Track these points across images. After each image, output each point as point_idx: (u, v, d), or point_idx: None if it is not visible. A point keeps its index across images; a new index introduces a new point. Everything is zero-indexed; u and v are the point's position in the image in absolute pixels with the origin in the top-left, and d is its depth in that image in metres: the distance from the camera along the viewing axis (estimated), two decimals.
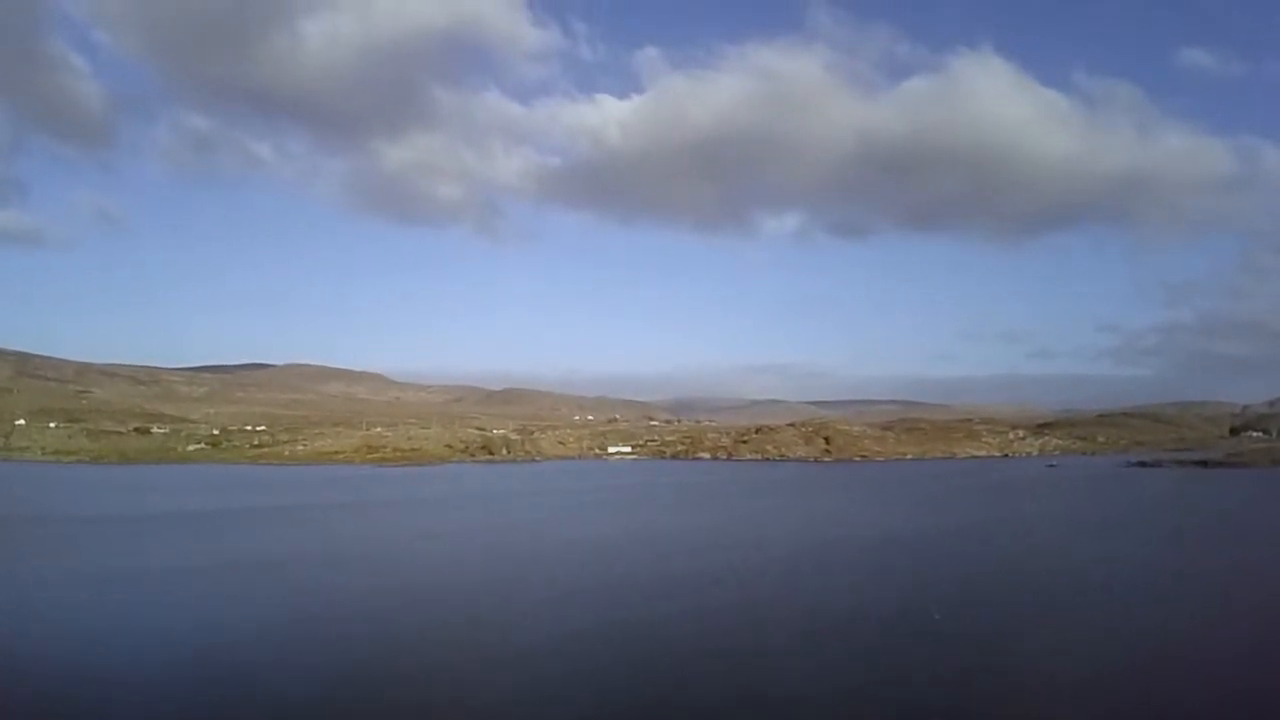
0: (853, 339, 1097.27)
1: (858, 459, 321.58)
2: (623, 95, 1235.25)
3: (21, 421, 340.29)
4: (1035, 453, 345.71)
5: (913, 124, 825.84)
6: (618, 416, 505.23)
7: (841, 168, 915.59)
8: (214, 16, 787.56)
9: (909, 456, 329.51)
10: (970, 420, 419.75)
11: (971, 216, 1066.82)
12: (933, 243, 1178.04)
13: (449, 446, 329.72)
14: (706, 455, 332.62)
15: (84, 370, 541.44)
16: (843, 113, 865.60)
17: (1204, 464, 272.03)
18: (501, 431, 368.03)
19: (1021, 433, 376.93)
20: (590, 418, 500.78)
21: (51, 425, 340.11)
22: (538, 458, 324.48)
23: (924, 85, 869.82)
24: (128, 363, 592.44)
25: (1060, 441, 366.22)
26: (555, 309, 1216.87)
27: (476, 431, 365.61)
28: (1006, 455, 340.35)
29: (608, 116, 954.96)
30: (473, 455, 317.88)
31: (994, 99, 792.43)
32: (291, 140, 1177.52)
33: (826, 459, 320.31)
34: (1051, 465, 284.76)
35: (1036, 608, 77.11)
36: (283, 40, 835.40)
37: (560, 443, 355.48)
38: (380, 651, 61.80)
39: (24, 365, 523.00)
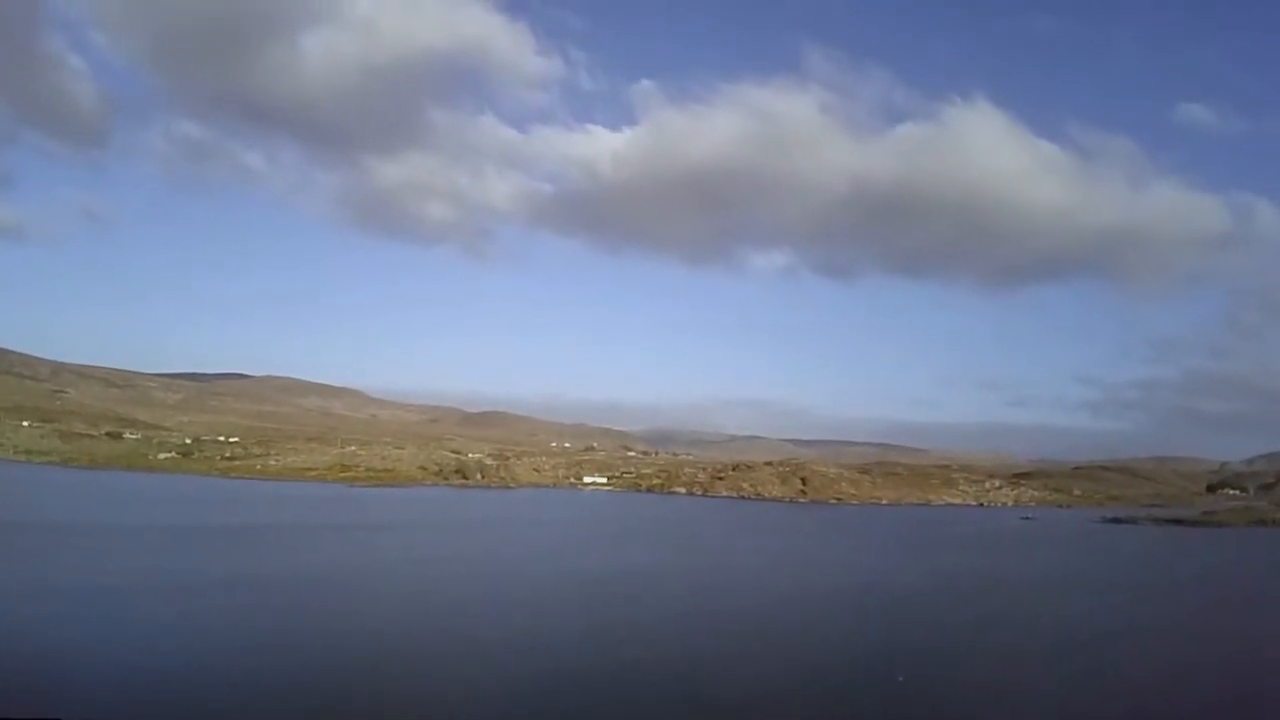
0: (834, 379, 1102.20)
1: (833, 501, 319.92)
2: (617, 127, 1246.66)
3: None
4: (1010, 503, 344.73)
5: (904, 169, 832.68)
6: (595, 445, 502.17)
7: (831, 209, 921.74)
8: (213, 25, 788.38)
9: (884, 501, 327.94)
10: (948, 467, 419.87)
11: (958, 264, 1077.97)
12: (918, 288, 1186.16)
13: (423, 468, 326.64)
14: (682, 490, 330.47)
15: (59, 369, 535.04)
16: (835, 155, 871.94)
17: (1179, 522, 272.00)
18: (477, 455, 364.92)
19: (998, 482, 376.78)
20: (567, 445, 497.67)
21: (24, 424, 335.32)
22: (511, 484, 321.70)
23: (917, 131, 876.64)
24: (104, 365, 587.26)
25: (1035, 493, 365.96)
26: (539, 333, 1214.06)
27: (452, 454, 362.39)
28: (982, 504, 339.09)
29: (601, 147, 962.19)
30: (446, 479, 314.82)
31: (986, 148, 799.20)
32: (284, 152, 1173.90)
33: (802, 499, 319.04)
34: (1026, 518, 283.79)
35: (1003, 671, 75.80)
36: (281, 53, 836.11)
37: (535, 470, 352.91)
38: (345, 678, 59.99)
39: None
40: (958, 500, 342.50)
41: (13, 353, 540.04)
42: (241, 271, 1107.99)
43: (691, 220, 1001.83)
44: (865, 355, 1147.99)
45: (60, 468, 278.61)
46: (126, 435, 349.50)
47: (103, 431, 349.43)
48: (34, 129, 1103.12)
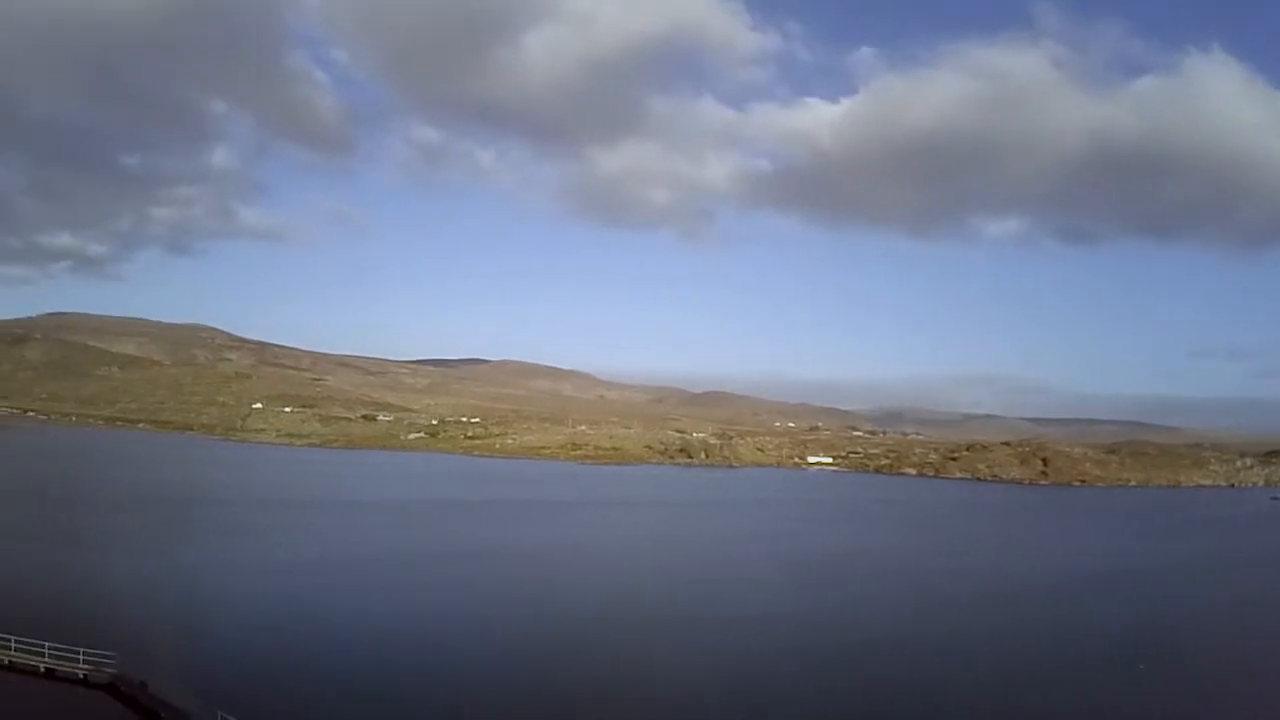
0: (1075, 352, 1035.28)
1: (1076, 483, 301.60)
2: (836, 98, 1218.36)
3: (259, 405, 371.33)
4: (1261, 483, 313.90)
5: (1145, 125, 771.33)
6: (819, 424, 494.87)
7: (1069, 170, 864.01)
8: (442, 33, 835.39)
9: (1131, 483, 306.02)
10: (1199, 446, 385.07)
11: (1205, 225, 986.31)
12: (1164, 251, 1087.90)
13: (648, 447, 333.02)
14: (912, 471, 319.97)
15: (318, 359, 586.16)
16: (1071, 112, 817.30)
17: None
18: (701, 435, 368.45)
19: (1249, 461, 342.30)
20: (791, 424, 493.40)
21: (287, 410, 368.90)
22: (735, 463, 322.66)
23: (1156, 85, 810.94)
24: (358, 353, 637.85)
25: None
26: (761, 312, 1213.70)
27: (676, 434, 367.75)
28: (1233, 485, 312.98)
29: (820, 119, 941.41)
30: (671, 457, 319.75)
31: (1228, 101, 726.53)
32: (513, 149, 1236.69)
33: (1043, 481, 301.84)
34: (1276, 499, 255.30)
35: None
36: (506, 53, 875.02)
37: (759, 449, 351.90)
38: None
39: (264, 354, 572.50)
40: (1208, 481, 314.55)
41: (276, 345, 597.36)
42: (477, 264, 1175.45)
43: (917, 189, 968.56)
44: (1109, 325, 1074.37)
45: (321, 449, 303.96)
46: (380, 418, 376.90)
47: (358, 415, 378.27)
48: (286, 140, 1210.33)
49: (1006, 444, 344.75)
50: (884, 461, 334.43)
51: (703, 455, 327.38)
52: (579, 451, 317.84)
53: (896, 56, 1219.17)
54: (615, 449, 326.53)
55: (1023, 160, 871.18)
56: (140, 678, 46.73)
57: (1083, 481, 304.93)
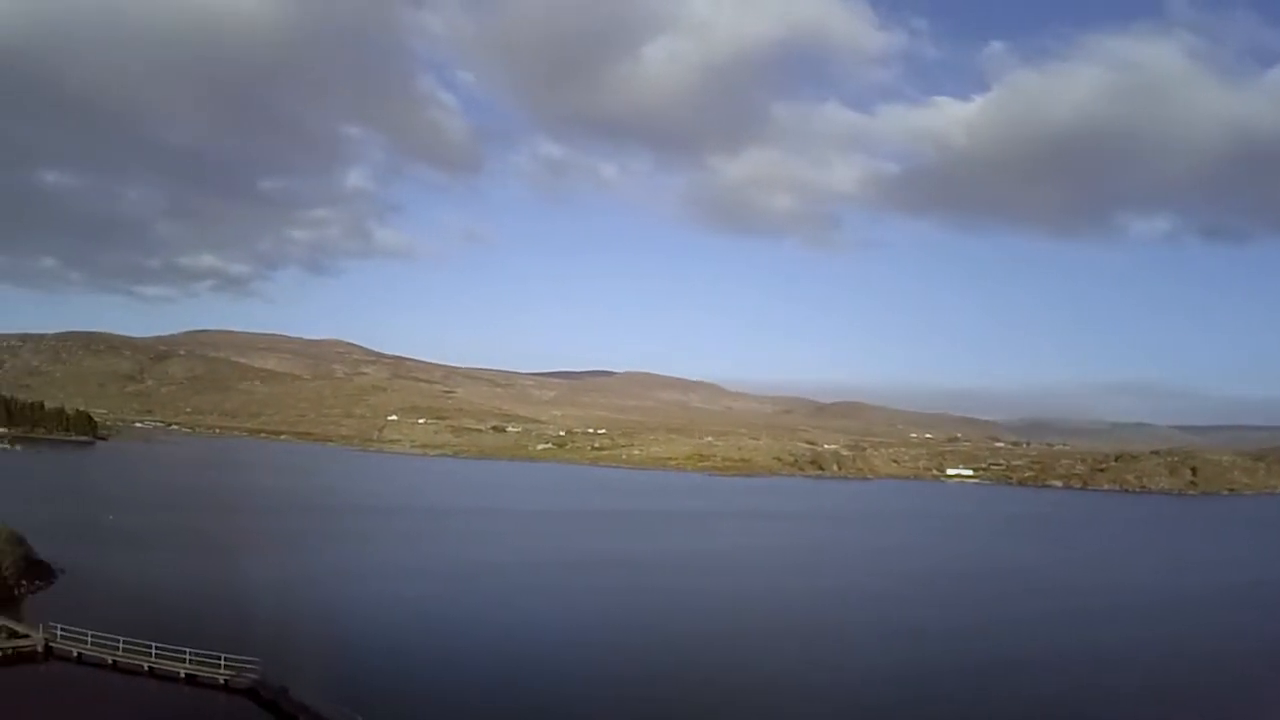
0: (1226, 355, 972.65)
1: (1224, 492, 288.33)
2: (967, 95, 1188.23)
3: (394, 417, 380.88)
4: None
5: None
6: (959, 435, 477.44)
7: (1211, 164, 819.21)
8: (563, 50, 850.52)
9: None
10: None
11: None
12: None
13: (777, 459, 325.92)
14: (1058, 483, 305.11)
15: (450, 373, 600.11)
16: (1209, 104, 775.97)
17: None
18: (832, 446, 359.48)
19: None
20: (928, 435, 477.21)
21: (420, 422, 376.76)
22: (869, 475, 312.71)
23: None
24: (488, 366, 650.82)
25: None
26: (892, 320, 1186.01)
27: (806, 445, 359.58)
28: None
29: (951, 118, 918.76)
30: (801, 469, 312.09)
31: None
32: (635, 160, 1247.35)
33: (1191, 491, 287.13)
34: None
35: None
36: (626, 66, 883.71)
37: (894, 461, 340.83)
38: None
39: (398, 368, 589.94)
40: None
41: (409, 359, 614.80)
42: (602, 276, 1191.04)
43: (1055, 187, 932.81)
44: (1259, 326, 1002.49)
45: (453, 459, 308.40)
46: (509, 429, 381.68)
47: (488, 426, 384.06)
48: (416, 161, 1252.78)
49: (1155, 453, 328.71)
50: (1028, 473, 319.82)
51: (834, 467, 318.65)
52: (706, 463, 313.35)
53: (1028, 50, 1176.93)
54: (743, 460, 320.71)
55: (1163, 155, 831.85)
56: (281, 683, 45.93)
57: (1231, 490, 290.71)
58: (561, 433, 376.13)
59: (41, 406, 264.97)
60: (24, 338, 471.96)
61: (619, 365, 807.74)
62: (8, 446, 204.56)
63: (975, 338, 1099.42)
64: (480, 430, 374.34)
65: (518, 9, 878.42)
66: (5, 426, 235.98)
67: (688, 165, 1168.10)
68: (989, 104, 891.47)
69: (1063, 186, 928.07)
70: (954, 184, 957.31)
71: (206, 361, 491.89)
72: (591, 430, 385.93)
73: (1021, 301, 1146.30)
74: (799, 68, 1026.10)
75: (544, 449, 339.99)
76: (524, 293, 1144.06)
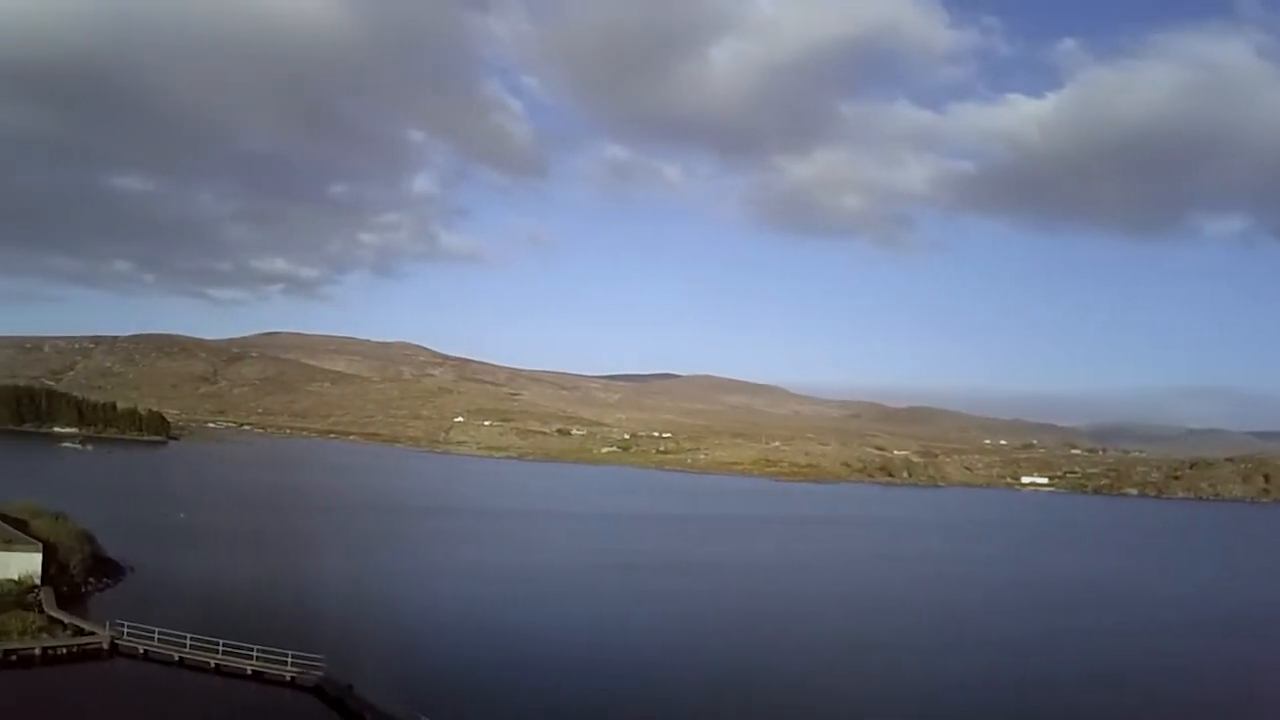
0: None
1: None
2: (1040, 93, 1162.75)
3: (460, 419, 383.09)
4: None
5: None
6: (1034, 442, 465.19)
7: None
8: (627, 53, 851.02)
9: None
10: None
11: None
12: None
13: (846, 465, 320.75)
14: (1133, 491, 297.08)
15: (515, 375, 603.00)
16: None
17: None
18: (903, 453, 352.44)
19: None
20: (1002, 442, 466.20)
21: (486, 423, 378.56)
22: (941, 483, 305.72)
23: None
24: (553, 369, 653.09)
25: None
26: (966, 322, 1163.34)
27: (876, 451, 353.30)
28: None
29: (1025, 116, 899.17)
30: (870, 475, 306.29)
31: None
32: (699, 162, 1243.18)
33: (1264, 499, 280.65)
34: None
35: None
36: (691, 68, 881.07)
37: (967, 468, 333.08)
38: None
39: (464, 370, 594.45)
40: None
41: (475, 361, 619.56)
42: (668, 278, 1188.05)
43: (1129, 187, 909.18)
44: None
45: (519, 461, 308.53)
46: (574, 431, 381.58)
47: (553, 429, 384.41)
48: (482, 166, 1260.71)
49: (1229, 460, 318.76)
50: (1103, 481, 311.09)
51: (905, 474, 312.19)
52: (773, 468, 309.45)
53: (1101, 48, 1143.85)
54: (811, 466, 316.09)
55: (1236, 154, 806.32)
56: (347, 681, 44.97)
57: None
58: (626, 436, 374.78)
59: (114, 407, 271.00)
60: (97, 340, 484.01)
61: (684, 368, 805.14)
62: (79, 446, 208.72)
63: (1052, 341, 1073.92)
64: (545, 433, 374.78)
65: (582, 13, 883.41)
66: (76, 427, 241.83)
67: (753, 166, 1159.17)
68: (1063, 101, 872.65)
69: (1136, 186, 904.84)
70: (1027, 183, 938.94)
71: (277, 363, 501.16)
72: (656, 434, 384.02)
73: (1095, 303, 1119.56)
74: (867, 67, 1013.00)
75: (609, 452, 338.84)
76: (588, 295, 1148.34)
